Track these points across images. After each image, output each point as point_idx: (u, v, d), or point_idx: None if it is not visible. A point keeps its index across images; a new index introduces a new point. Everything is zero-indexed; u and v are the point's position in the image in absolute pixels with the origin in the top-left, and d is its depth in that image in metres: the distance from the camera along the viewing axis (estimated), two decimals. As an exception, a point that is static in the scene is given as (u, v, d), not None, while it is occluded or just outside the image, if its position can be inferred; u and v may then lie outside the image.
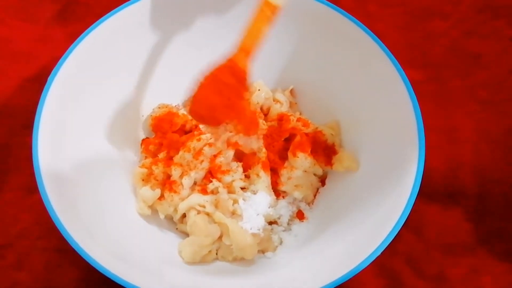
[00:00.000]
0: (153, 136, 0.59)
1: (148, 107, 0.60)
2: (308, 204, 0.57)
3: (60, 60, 0.52)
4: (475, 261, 0.57)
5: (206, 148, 0.54)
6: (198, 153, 0.54)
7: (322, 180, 0.58)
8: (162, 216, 0.54)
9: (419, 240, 0.58)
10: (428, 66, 0.69)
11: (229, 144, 0.55)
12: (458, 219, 0.59)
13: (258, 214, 0.53)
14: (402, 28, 0.72)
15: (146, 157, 0.57)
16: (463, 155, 0.63)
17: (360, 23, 0.54)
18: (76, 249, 0.44)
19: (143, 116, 0.60)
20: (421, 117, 0.49)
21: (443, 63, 0.69)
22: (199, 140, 0.54)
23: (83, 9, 0.73)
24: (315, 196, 0.58)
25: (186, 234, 0.55)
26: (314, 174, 0.57)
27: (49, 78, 0.51)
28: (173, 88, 0.61)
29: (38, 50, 0.70)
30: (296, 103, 0.62)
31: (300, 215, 0.56)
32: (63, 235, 0.44)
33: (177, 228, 0.56)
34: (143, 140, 0.59)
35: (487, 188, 0.61)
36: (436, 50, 0.70)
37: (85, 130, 0.54)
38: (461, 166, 0.62)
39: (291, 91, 0.61)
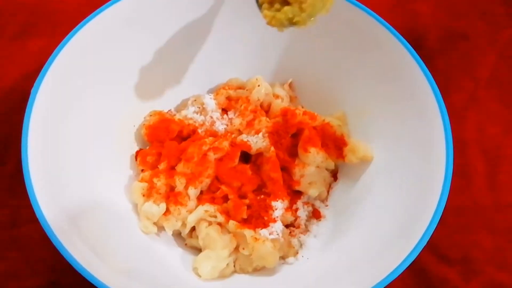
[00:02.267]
0: (148, 146, 0.54)
1: (139, 115, 0.55)
2: (323, 201, 0.54)
3: (40, 74, 0.47)
4: (498, 239, 0.55)
5: (211, 153, 0.50)
6: (202, 159, 0.50)
7: (334, 175, 0.55)
8: (170, 233, 0.50)
9: (438, 224, 0.56)
10: (420, 48, 0.68)
11: (233, 145, 0.51)
12: (473, 199, 0.58)
13: (275, 218, 0.49)
14: (389, 12, 0.70)
15: (143, 170, 0.53)
16: (466, 134, 0.62)
17: (361, 4, 0.51)
18: (84, 275, 0.39)
19: (134, 126, 0.55)
20: (438, 90, 0.47)
21: (435, 45, 0.68)
22: (202, 145, 0.50)
23: (48, 22, 0.67)
24: (328, 192, 0.55)
25: (197, 250, 0.51)
26: (326, 169, 0.54)
27: (30, 97, 0.46)
28: (164, 94, 0.57)
29: (3, 68, 0.64)
30: (296, 97, 0.58)
31: (317, 214, 0.53)
32: (70, 262, 0.39)
33: (186, 244, 0.51)
34: (137, 151, 0.54)
35: (497, 167, 0.60)
36: (425, 32, 0.69)
37: (74, 149, 0.48)
38: (469, 146, 0.61)
39: (290, 85, 0.58)
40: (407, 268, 0.53)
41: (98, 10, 0.50)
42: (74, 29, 0.49)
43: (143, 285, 0.43)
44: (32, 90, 0.46)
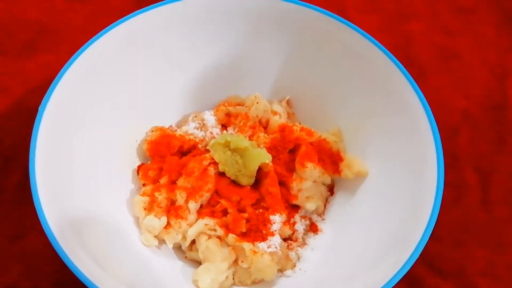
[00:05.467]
0: (150, 161, 0.55)
1: (141, 131, 0.57)
2: (320, 215, 0.55)
3: (48, 91, 0.48)
4: (492, 252, 0.57)
5: (211, 168, 0.52)
6: (202, 174, 0.51)
7: (330, 190, 0.57)
8: (170, 246, 0.51)
9: (432, 238, 0.58)
10: (413, 67, 0.70)
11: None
12: (467, 213, 0.59)
13: (273, 232, 0.50)
14: (382, 32, 0.73)
15: (144, 184, 0.54)
16: (459, 150, 0.64)
17: (354, 25, 0.53)
18: (88, 285, 0.40)
19: (136, 141, 0.56)
20: (429, 108, 0.49)
21: (428, 63, 0.70)
22: (202, 160, 0.52)
23: (53, 39, 0.69)
24: (325, 206, 0.56)
25: (196, 262, 0.52)
26: (323, 184, 0.55)
27: (38, 113, 0.47)
28: (165, 110, 0.58)
29: (8, 84, 0.65)
30: (293, 113, 0.60)
31: (314, 228, 0.54)
32: (74, 273, 0.40)
33: (186, 257, 0.52)
34: (139, 166, 0.55)
35: (489, 182, 0.61)
36: (418, 51, 0.71)
37: (78, 163, 0.50)
38: (461, 162, 0.62)
39: (288, 102, 0.60)
40: (402, 281, 0.54)
41: (103, 30, 0.52)
42: (81, 48, 0.50)
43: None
44: (40, 107, 0.47)
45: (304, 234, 0.54)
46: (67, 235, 0.43)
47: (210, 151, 0.53)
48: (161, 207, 0.51)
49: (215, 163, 0.52)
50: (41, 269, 0.53)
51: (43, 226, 0.42)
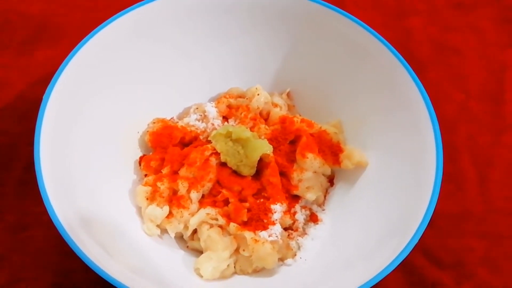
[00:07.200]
0: (152, 152, 0.56)
1: (143, 123, 0.57)
2: (320, 205, 0.56)
3: (50, 84, 0.49)
4: (490, 243, 0.57)
5: (212, 159, 0.52)
6: (204, 164, 0.52)
7: (330, 180, 0.57)
8: (172, 235, 0.51)
9: (431, 229, 0.58)
10: (412, 61, 0.70)
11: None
12: (465, 205, 0.60)
13: (274, 221, 0.51)
14: (381, 27, 0.73)
15: (146, 175, 0.54)
16: (457, 143, 0.64)
17: (356, 19, 0.54)
18: (97, 271, 0.41)
19: (138, 132, 0.57)
20: (429, 100, 0.49)
21: (427, 58, 0.71)
22: (204, 150, 0.52)
23: (54, 33, 0.69)
24: (325, 197, 0.57)
25: (198, 252, 0.52)
26: (323, 175, 0.56)
27: (41, 106, 0.48)
28: (167, 102, 0.59)
29: (10, 77, 0.66)
30: (294, 106, 0.61)
31: (314, 218, 0.55)
32: (84, 260, 0.41)
33: (187, 246, 0.53)
34: (141, 157, 0.56)
35: (487, 174, 0.62)
36: (417, 46, 0.72)
37: (82, 155, 0.50)
38: (460, 155, 0.63)
39: (288, 94, 0.60)
40: (402, 271, 0.55)
41: (105, 22, 0.52)
42: (82, 41, 0.51)
43: (152, 283, 0.45)
44: (44, 96, 0.47)
45: (305, 224, 0.54)
46: (73, 224, 0.43)
47: (211, 142, 0.54)
48: (163, 197, 0.52)
49: (216, 154, 0.52)
50: (44, 260, 0.54)
51: (50, 215, 0.42)
